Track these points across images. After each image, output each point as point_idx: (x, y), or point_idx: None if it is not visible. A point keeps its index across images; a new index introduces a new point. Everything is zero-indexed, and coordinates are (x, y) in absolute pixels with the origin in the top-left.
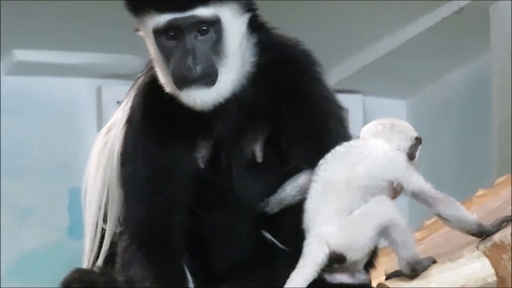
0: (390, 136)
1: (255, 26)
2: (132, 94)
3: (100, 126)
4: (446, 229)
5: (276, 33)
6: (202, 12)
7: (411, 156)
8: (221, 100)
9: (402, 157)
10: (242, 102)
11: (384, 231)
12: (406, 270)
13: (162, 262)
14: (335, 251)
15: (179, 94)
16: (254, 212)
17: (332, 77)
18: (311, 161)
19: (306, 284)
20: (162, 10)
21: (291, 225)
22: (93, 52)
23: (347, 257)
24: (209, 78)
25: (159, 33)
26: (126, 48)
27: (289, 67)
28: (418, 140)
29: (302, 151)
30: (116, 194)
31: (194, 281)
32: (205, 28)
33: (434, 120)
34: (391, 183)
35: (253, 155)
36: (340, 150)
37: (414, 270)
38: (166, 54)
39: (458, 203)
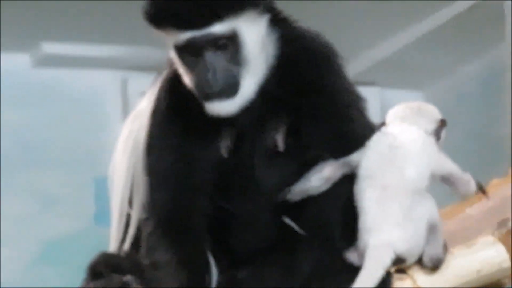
0: (417, 120)
1: (277, 21)
2: (157, 86)
3: (125, 117)
4: (461, 216)
5: (297, 26)
6: (218, 29)
7: (437, 138)
8: (246, 103)
9: (433, 142)
10: (264, 93)
11: (429, 230)
12: (429, 264)
13: (185, 247)
14: (400, 256)
15: (203, 103)
16: (275, 199)
17: (350, 70)
18: (331, 150)
19: (374, 286)
20: (180, 27)
21: (311, 212)
22: (118, 44)
23: (408, 261)
24: (230, 89)
25: (180, 49)
26: (152, 40)
27: (310, 59)
28: (442, 123)
29: (323, 141)
30: (141, 181)
31: (217, 265)
32: (223, 43)
33: (450, 111)
34: (431, 176)
35: (275, 144)
36: (383, 149)
37: (436, 266)
38: (189, 67)
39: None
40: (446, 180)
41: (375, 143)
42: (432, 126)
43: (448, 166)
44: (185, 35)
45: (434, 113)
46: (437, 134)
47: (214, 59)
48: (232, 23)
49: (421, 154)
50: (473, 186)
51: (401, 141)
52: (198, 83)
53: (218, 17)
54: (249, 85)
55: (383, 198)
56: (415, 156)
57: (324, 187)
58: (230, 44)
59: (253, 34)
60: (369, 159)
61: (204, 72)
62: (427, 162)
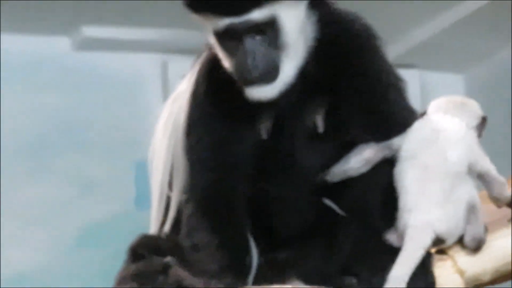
0: (460, 114)
1: (315, 3)
2: (197, 68)
3: (165, 100)
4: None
5: (336, 8)
6: (257, 15)
7: (478, 134)
8: (286, 87)
9: (474, 136)
10: (303, 75)
11: (469, 211)
12: (471, 245)
13: (226, 228)
14: (439, 236)
15: (243, 88)
16: (315, 180)
17: (389, 53)
18: (371, 131)
19: (414, 267)
20: (219, 14)
21: (351, 193)
22: (159, 27)
23: (447, 241)
24: (270, 75)
25: (219, 35)
26: (192, 23)
27: (349, 41)
28: (484, 120)
29: (362, 122)
30: (181, 163)
31: (257, 247)
32: (262, 29)
33: (490, 94)
34: (469, 167)
35: (315, 125)
36: (426, 132)
37: (478, 246)
38: (228, 52)
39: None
40: (481, 177)
41: (417, 127)
42: (473, 122)
43: (486, 164)
44: (224, 22)
45: (476, 110)
46: (478, 130)
47: (254, 44)
48: (271, 9)
49: (462, 141)
50: (506, 190)
51: (444, 127)
52: (238, 68)
53: (257, 3)
54: (289, 69)
55: (424, 178)
56: (457, 142)
57: (363, 169)
58: (270, 29)
59: (292, 18)
60: (411, 141)
61: (243, 57)
62: (467, 152)
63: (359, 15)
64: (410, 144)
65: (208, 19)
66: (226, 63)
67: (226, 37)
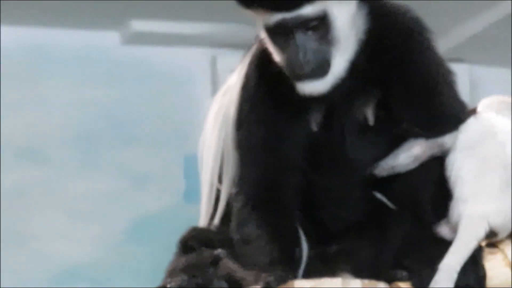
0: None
1: None
2: (247, 61)
3: (214, 94)
4: None
5: (386, 1)
6: (309, 10)
7: None
8: (337, 81)
9: None
10: (354, 68)
11: None
12: None
13: (276, 221)
14: (493, 229)
15: (294, 83)
16: (365, 173)
17: (439, 47)
18: (421, 125)
19: (466, 257)
20: (271, 9)
21: (401, 186)
22: (208, 21)
23: (500, 235)
24: (321, 70)
25: (270, 30)
26: (241, 17)
27: (399, 34)
28: None
29: (413, 115)
30: (231, 156)
31: (307, 240)
32: (313, 24)
33: None
34: None
35: (365, 118)
36: (482, 126)
37: None
38: (279, 47)
39: None
40: None
41: (472, 122)
42: None
43: None
44: (275, 17)
45: None
46: None
47: (305, 40)
48: (322, 4)
49: None
50: None
51: (499, 123)
52: (289, 63)
53: None
54: (340, 63)
55: (482, 169)
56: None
57: (412, 166)
58: (321, 24)
59: (343, 13)
60: (469, 132)
61: (295, 53)
62: None
63: (409, 8)
64: (468, 135)
65: (259, 14)
66: (277, 57)
67: (277, 32)
